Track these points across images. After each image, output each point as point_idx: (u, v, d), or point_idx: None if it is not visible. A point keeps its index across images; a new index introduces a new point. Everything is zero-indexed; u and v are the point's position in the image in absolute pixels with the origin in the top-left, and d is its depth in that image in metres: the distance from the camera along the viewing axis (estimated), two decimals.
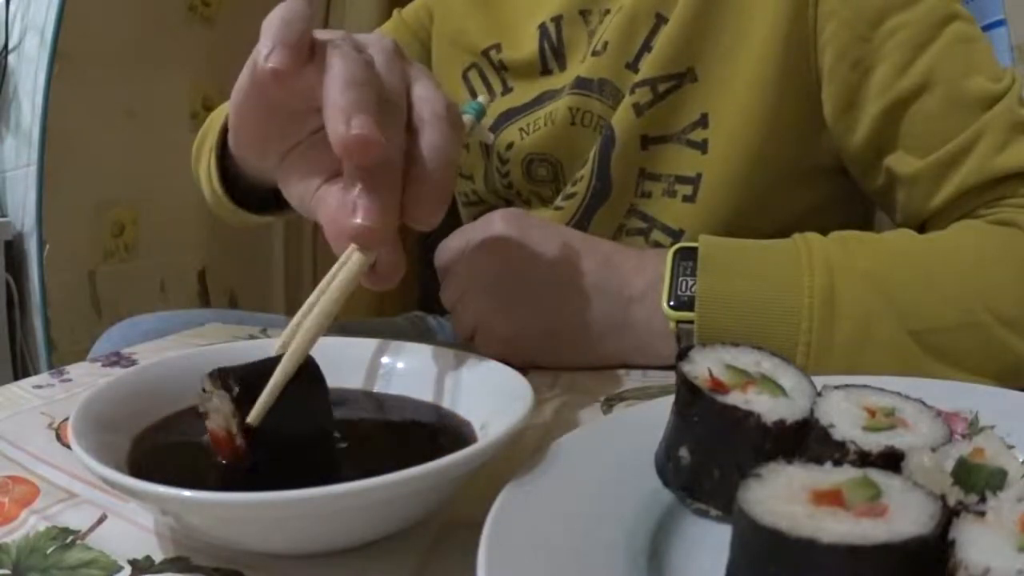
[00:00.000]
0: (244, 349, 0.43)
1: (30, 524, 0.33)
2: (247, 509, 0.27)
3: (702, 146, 0.62)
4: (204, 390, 0.33)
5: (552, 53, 0.71)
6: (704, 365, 0.32)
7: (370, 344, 0.44)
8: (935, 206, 0.56)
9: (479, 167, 0.77)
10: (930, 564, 0.21)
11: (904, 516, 0.22)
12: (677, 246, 0.54)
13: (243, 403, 0.32)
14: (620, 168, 0.65)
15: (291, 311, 0.37)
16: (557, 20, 0.70)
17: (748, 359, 0.33)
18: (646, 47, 0.64)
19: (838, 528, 0.22)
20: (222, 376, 0.33)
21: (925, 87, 0.55)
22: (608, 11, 0.68)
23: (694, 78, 0.62)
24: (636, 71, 0.65)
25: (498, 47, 0.73)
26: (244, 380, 0.33)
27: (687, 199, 0.63)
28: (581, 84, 0.67)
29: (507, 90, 0.74)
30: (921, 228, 0.59)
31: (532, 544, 0.26)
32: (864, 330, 0.48)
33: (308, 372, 0.35)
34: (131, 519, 0.33)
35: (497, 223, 0.57)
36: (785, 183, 0.63)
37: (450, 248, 0.59)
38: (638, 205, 0.66)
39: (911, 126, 0.56)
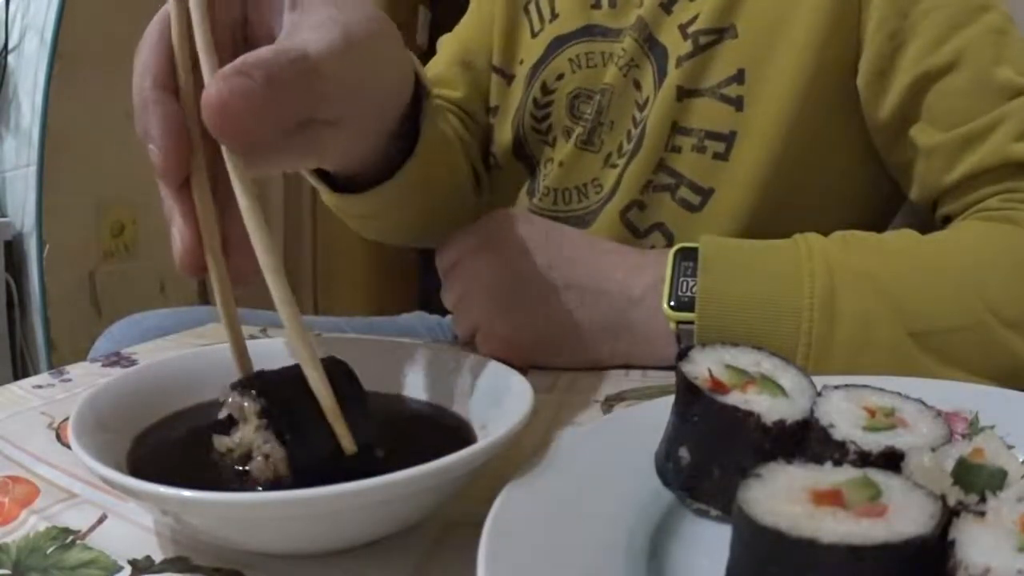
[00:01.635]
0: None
1: (30, 524, 0.33)
2: (247, 509, 0.27)
3: (737, 103, 0.62)
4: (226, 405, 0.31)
5: None
6: (704, 365, 0.32)
7: (370, 343, 0.44)
8: (949, 182, 0.57)
9: (506, 119, 0.75)
10: (930, 564, 0.21)
11: (904, 516, 0.22)
12: (678, 246, 0.54)
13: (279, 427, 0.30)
14: (654, 120, 0.65)
15: None
16: None
17: (748, 359, 0.33)
18: None
19: (838, 528, 0.22)
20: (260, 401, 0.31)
21: (954, 66, 0.56)
22: None
23: (735, 34, 0.62)
24: (669, 12, 0.65)
25: None
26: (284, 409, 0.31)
27: (719, 156, 0.63)
28: (635, 28, 0.67)
29: (554, 16, 0.73)
30: (934, 208, 0.60)
31: (532, 544, 0.26)
32: (864, 331, 0.48)
33: (348, 390, 0.33)
34: (131, 519, 0.33)
35: (498, 224, 0.57)
36: (819, 154, 0.63)
37: (451, 248, 0.59)
38: (667, 160, 0.65)
39: (936, 101, 0.57)
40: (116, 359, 0.58)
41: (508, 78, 0.76)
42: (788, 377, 0.32)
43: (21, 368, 1.75)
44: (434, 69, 0.80)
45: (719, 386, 0.31)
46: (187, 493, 0.27)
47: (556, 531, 0.27)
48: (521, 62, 0.75)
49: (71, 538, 0.32)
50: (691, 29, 0.63)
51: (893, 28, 0.58)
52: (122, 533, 0.32)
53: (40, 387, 0.50)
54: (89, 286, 1.81)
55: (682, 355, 0.33)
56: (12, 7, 1.72)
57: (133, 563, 0.30)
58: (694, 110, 0.64)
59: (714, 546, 0.26)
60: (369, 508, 0.28)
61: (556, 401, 0.47)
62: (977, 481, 0.24)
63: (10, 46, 1.72)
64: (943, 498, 0.24)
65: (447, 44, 0.83)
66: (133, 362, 0.57)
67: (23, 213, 1.72)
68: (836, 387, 0.32)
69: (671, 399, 0.32)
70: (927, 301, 0.49)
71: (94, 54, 1.73)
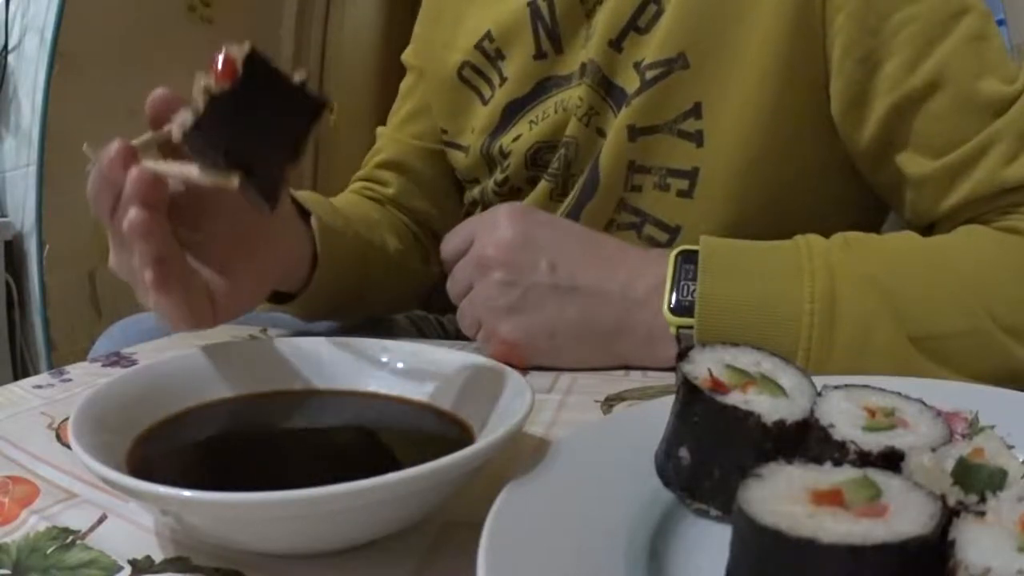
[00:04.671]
0: (244, 348, 0.44)
1: (30, 524, 0.33)
2: (247, 509, 0.27)
3: (696, 138, 0.60)
4: None
5: (547, 35, 0.68)
6: (704, 365, 0.32)
7: (370, 344, 0.44)
8: (944, 210, 0.55)
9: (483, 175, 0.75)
10: (930, 564, 0.21)
11: (904, 516, 0.22)
12: (679, 248, 0.54)
13: None
14: (607, 161, 0.63)
15: None
16: (549, 1, 0.67)
17: (748, 359, 0.33)
18: (632, 26, 0.63)
19: (838, 528, 0.22)
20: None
21: (936, 86, 0.54)
22: None
23: (685, 64, 0.59)
24: (619, 51, 0.63)
25: (489, 35, 0.71)
26: None
27: (683, 194, 0.62)
28: (585, 72, 0.65)
29: (503, 80, 0.71)
30: (929, 227, 0.58)
31: (532, 544, 0.26)
32: (864, 334, 0.48)
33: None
34: (131, 519, 0.33)
35: (502, 220, 0.56)
36: (793, 181, 0.61)
37: (455, 241, 0.59)
38: (628, 199, 0.64)
39: (921, 125, 0.55)
40: (116, 359, 0.58)
41: (464, 149, 0.75)
42: (788, 377, 0.32)
43: (21, 368, 1.75)
44: (367, 168, 0.84)
45: (719, 386, 0.31)
46: (187, 493, 0.27)
47: (556, 531, 0.27)
48: (473, 130, 0.74)
49: (71, 538, 0.32)
50: (644, 65, 0.61)
51: (864, 50, 0.55)
52: (122, 533, 0.32)
53: (40, 387, 0.50)
54: (89, 286, 1.80)
55: (682, 355, 0.33)
56: (12, 7, 1.72)
57: (133, 563, 0.30)
58: (652, 148, 0.62)
59: (714, 546, 0.26)
60: (369, 508, 0.28)
61: (556, 401, 0.47)
62: (977, 481, 0.24)
63: (10, 46, 1.72)
64: (943, 498, 0.24)
65: (382, 142, 0.84)
66: (133, 362, 0.57)
67: (23, 213, 1.72)
68: (836, 387, 0.32)
69: (671, 399, 0.32)
70: (927, 305, 0.48)
71: (94, 54, 1.73)
